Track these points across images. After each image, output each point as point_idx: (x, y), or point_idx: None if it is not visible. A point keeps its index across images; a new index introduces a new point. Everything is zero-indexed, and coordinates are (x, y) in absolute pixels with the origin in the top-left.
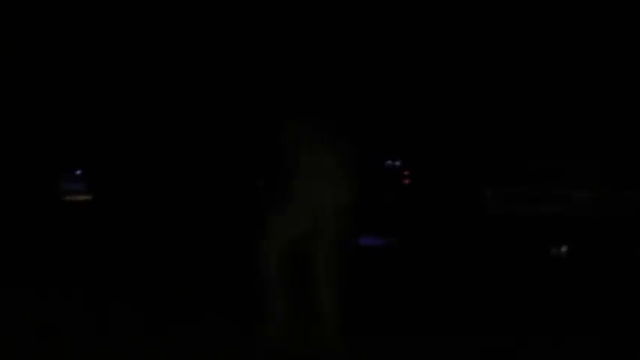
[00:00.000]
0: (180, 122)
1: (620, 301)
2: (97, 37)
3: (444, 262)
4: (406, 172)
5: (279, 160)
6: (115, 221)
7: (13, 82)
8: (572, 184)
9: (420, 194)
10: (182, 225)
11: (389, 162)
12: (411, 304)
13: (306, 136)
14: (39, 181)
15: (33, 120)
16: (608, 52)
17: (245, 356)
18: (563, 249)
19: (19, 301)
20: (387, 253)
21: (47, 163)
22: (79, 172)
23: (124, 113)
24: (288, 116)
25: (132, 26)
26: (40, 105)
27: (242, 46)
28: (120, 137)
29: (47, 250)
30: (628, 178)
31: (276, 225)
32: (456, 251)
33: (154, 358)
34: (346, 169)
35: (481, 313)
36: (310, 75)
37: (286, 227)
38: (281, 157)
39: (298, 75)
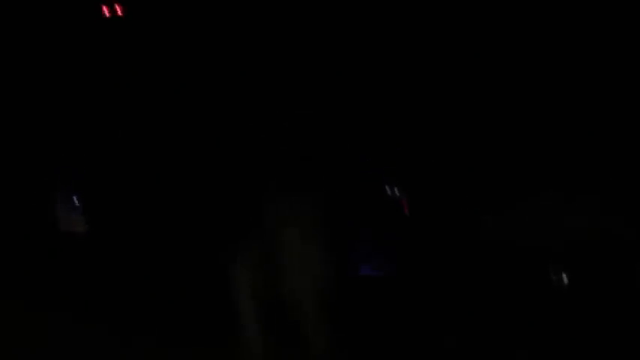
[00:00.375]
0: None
1: None
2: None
3: (442, 293)
4: (405, 201)
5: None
6: (110, 253)
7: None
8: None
9: (418, 222)
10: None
11: (388, 189)
12: (404, 341)
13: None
14: (35, 209)
15: (27, 145)
16: None
17: None
18: (564, 278)
19: None
20: (386, 284)
21: (44, 190)
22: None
23: (120, 140)
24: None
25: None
26: (34, 129)
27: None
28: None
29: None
30: None
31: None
32: (455, 281)
33: None
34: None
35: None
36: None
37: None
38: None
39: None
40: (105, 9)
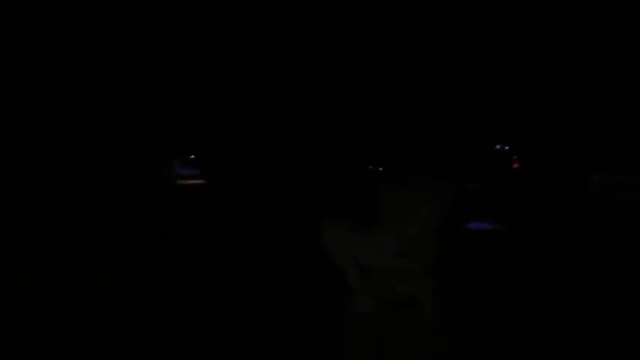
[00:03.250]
0: (289, 110)
1: None
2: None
3: (549, 247)
4: (515, 157)
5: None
6: (224, 203)
7: (130, 70)
8: None
9: (528, 179)
10: (288, 208)
11: (498, 146)
12: (511, 289)
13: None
14: (155, 166)
15: (151, 108)
16: None
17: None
18: None
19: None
20: (495, 238)
21: (162, 149)
22: (192, 157)
23: (233, 102)
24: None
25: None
26: (156, 94)
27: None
28: (230, 125)
29: (159, 231)
30: None
31: (389, 216)
32: (563, 236)
33: (260, 329)
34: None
35: (582, 300)
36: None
37: (397, 219)
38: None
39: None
40: None
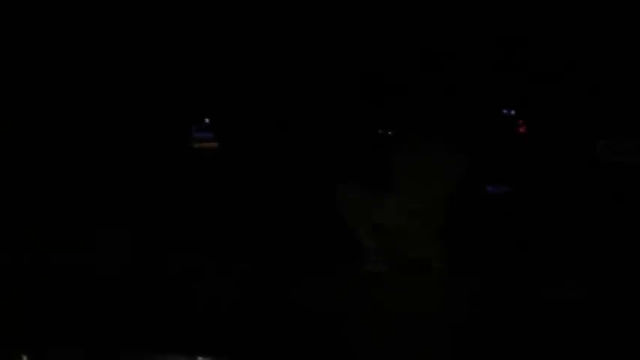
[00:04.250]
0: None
1: None
2: None
3: (557, 208)
4: (521, 122)
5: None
6: (238, 166)
7: (148, 37)
8: None
9: (534, 143)
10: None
11: (505, 111)
12: (521, 249)
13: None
14: (172, 129)
15: (169, 73)
16: None
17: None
18: None
19: None
20: (506, 200)
21: (179, 113)
22: (207, 121)
23: (248, 67)
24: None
25: None
26: (174, 60)
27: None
28: (244, 89)
29: (175, 193)
30: None
31: (403, 181)
32: (570, 198)
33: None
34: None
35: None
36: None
37: (411, 184)
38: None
39: None
40: None
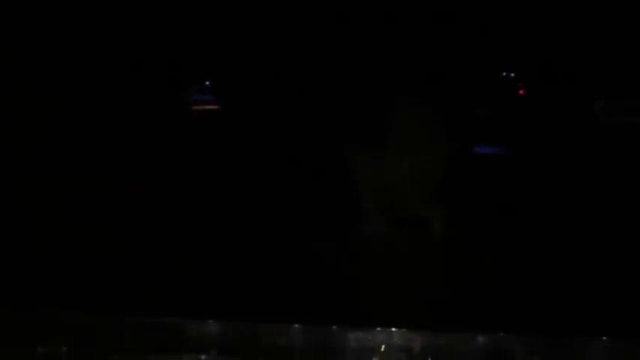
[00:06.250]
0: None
1: None
2: None
3: (555, 169)
4: (520, 84)
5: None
6: (238, 130)
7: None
8: None
9: (534, 105)
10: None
11: (504, 74)
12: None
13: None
14: (171, 91)
15: (170, 34)
16: None
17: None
18: None
19: None
20: (501, 161)
21: (178, 74)
22: (207, 83)
23: (250, 27)
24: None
25: None
26: (174, 20)
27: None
28: (245, 50)
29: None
30: None
31: (404, 142)
32: (566, 158)
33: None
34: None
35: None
36: None
37: (412, 146)
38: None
39: None
40: None
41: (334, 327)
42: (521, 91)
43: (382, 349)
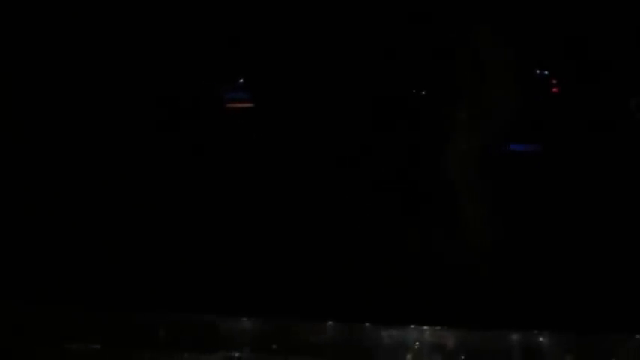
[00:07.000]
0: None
1: None
2: None
3: (587, 168)
4: (554, 81)
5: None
6: (274, 126)
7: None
8: None
9: (567, 102)
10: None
11: (537, 71)
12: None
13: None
14: (203, 89)
15: (202, 32)
16: None
17: None
18: None
19: None
20: (533, 159)
21: (211, 72)
22: (241, 80)
23: (286, 27)
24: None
25: None
26: (207, 18)
27: None
28: (281, 48)
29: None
30: None
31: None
32: (601, 156)
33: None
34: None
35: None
36: None
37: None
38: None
39: None
40: None
41: (367, 324)
42: (554, 89)
43: (416, 347)
